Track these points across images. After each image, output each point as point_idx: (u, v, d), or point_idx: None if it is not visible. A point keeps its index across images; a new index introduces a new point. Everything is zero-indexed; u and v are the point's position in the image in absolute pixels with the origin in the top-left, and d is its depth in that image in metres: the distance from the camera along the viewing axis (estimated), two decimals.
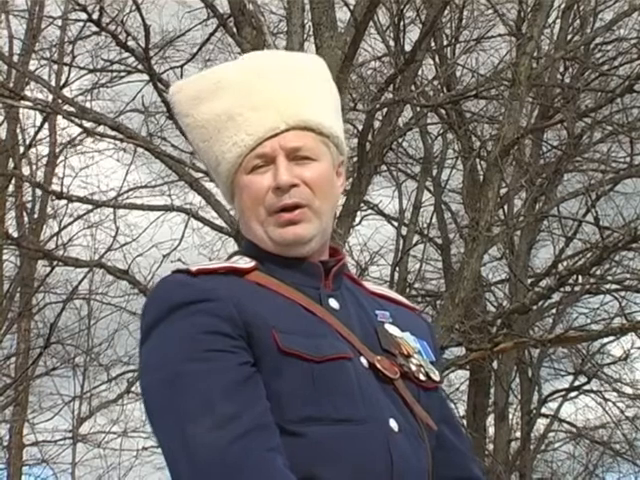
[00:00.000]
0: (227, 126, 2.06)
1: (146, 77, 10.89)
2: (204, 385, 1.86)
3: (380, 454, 1.92)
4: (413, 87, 11.46)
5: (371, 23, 11.63)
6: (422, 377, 2.07)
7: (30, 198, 15.40)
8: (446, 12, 11.88)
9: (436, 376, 2.11)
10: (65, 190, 11.60)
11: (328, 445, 1.89)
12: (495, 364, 14.59)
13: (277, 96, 2.06)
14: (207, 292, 1.95)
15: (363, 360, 2.00)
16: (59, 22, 14.44)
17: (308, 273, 2.05)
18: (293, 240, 2.03)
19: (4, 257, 15.34)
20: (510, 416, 15.39)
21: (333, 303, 2.05)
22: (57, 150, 15.43)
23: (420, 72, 12.37)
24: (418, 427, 2.02)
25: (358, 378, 1.96)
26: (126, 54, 11.47)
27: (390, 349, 2.05)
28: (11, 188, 15.09)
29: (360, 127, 10.48)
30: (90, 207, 14.11)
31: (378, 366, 2.00)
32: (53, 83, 13.70)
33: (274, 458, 1.82)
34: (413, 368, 2.06)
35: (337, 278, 2.10)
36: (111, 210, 13.96)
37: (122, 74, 13.78)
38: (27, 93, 12.23)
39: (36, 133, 15.24)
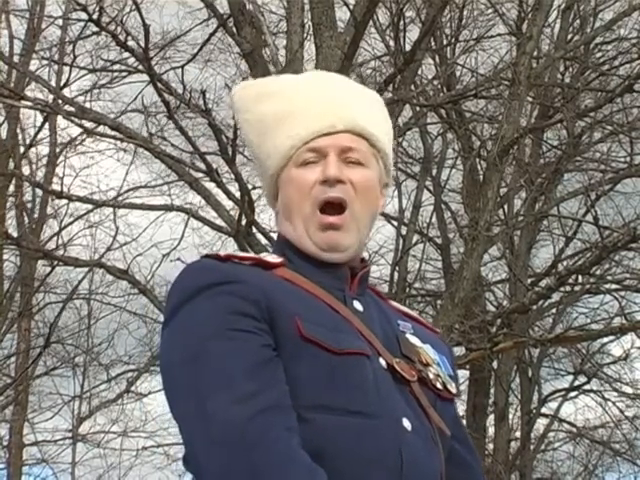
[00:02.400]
0: (284, 121, 2.12)
1: (146, 77, 10.89)
2: (226, 363, 1.88)
3: (390, 450, 1.93)
4: (413, 87, 11.46)
5: (371, 23, 11.63)
6: (439, 386, 2.10)
7: (30, 198, 15.41)
8: (446, 12, 11.89)
9: (453, 388, 2.14)
10: (65, 190, 11.57)
11: (338, 435, 1.90)
12: (495, 364, 14.59)
13: (338, 101, 2.15)
14: (234, 275, 1.98)
15: (382, 360, 2.02)
16: (59, 22, 14.46)
17: (335, 275, 2.09)
18: (333, 245, 2.07)
19: (4, 257, 15.35)
20: (510, 416, 15.39)
21: (357, 305, 2.09)
22: (57, 150, 15.43)
23: (420, 72, 12.38)
24: (432, 430, 2.03)
25: (375, 375, 1.98)
26: (126, 54, 11.46)
27: (409, 355, 2.08)
28: (11, 188, 15.10)
29: None
30: (90, 207, 14.10)
31: (396, 367, 2.02)
32: (53, 83, 13.70)
33: (291, 437, 1.85)
34: (431, 376, 2.09)
35: (361, 284, 2.13)
36: (111, 210, 13.95)
37: (122, 74, 13.78)
38: (27, 93, 12.23)
39: (36, 133, 15.26)
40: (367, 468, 1.90)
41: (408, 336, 2.13)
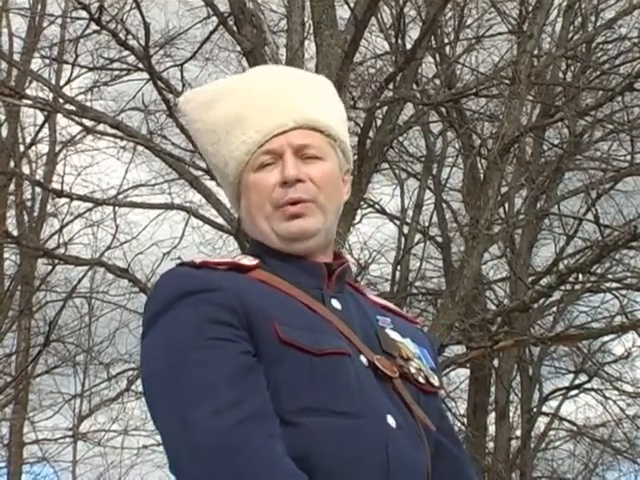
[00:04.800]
0: (235, 126, 2.10)
1: (146, 75, 10.89)
2: (206, 373, 1.88)
3: (376, 449, 1.93)
4: (414, 85, 11.45)
5: (374, 21, 11.63)
6: (421, 380, 2.09)
7: (30, 196, 15.41)
8: (447, 10, 11.88)
9: (435, 381, 2.12)
10: (65, 188, 11.57)
11: (324, 436, 1.90)
12: (496, 362, 14.60)
13: (286, 98, 2.12)
14: (210, 282, 1.97)
15: (362, 358, 2.01)
16: (60, 20, 14.45)
17: (312, 273, 2.07)
18: (298, 233, 2.05)
19: (4, 255, 15.34)
20: (510, 414, 15.39)
21: (335, 303, 2.07)
22: (57, 148, 15.43)
23: (421, 70, 12.38)
24: (416, 426, 2.02)
25: (357, 374, 1.97)
26: (126, 52, 11.47)
27: (390, 351, 2.07)
28: (11, 187, 15.09)
29: (360, 125, 10.47)
30: (90, 205, 14.08)
31: (377, 364, 2.01)
32: (53, 82, 13.69)
33: (275, 444, 1.84)
34: (412, 371, 2.08)
35: (339, 281, 2.11)
36: (111, 208, 13.94)
37: (122, 72, 13.76)
38: (28, 92, 12.22)
39: (37, 132, 15.25)
40: (354, 468, 1.90)
41: (388, 331, 2.12)
